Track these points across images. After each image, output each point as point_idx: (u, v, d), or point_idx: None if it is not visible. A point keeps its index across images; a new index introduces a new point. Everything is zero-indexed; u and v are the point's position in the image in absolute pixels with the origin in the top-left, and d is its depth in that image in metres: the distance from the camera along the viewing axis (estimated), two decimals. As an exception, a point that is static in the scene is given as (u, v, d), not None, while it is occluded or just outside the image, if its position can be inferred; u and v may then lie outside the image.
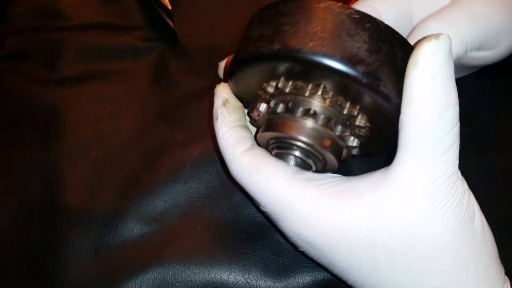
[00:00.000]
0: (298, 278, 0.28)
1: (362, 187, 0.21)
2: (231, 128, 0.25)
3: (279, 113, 0.23)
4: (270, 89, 0.23)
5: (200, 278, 0.28)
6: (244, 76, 0.24)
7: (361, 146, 0.24)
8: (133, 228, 0.30)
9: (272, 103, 0.24)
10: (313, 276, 0.28)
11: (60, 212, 0.31)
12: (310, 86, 0.22)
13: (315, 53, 0.20)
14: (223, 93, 0.26)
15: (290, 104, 0.23)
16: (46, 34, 0.41)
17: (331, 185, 0.22)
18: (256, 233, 0.30)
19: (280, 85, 0.23)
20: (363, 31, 0.20)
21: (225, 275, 0.28)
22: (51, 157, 0.33)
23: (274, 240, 0.29)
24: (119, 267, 0.29)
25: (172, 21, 0.40)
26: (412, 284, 0.21)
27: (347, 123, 0.23)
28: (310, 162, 0.24)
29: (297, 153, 0.24)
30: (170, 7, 0.40)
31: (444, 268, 0.20)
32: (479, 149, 0.31)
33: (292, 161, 0.24)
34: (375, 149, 0.26)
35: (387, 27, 0.20)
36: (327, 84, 0.21)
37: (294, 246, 0.25)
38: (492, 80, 0.36)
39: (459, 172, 0.20)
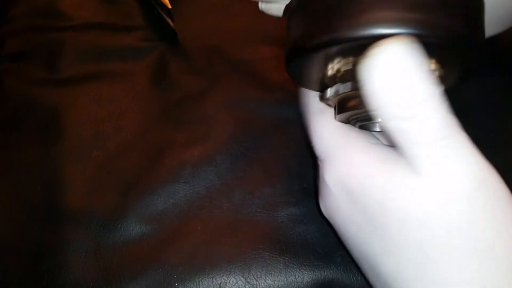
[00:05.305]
0: (298, 277, 0.28)
1: None
2: None
3: (349, 93, 0.23)
4: (331, 71, 0.23)
5: (200, 278, 0.28)
6: (302, 62, 0.23)
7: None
8: (133, 228, 0.30)
9: (340, 85, 0.23)
10: (314, 276, 0.28)
11: (60, 213, 0.31)
12: None
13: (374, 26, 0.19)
14: None
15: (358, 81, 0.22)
16: (46, 34, 0.41)
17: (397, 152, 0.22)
18: (257, 233, 0.30)
19: (342, 65, 0.22)
20: None
21: (225, 274, 0.28)
22: (52, 158, 0.33)
23: (275, 240, 0.29)
24: (119, 267, 0.29)
25: (172, 21, 0.40)
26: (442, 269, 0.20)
27: None
28: None
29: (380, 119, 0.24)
30: (170, 7, 0.40)
31: (468, 258, 0.20)
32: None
33: (377, 128, 0.24)
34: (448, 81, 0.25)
35: None
36: None
37: (319, 208, 0.25)
38: (492, 79, 0.36)
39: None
